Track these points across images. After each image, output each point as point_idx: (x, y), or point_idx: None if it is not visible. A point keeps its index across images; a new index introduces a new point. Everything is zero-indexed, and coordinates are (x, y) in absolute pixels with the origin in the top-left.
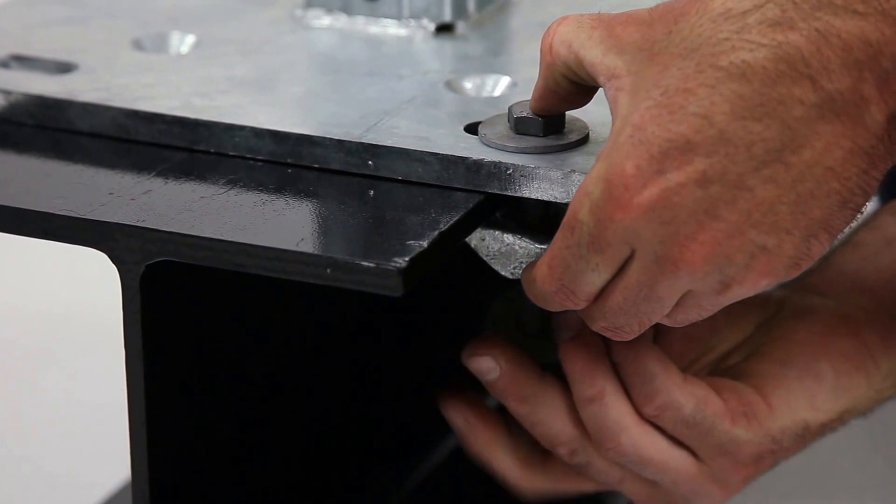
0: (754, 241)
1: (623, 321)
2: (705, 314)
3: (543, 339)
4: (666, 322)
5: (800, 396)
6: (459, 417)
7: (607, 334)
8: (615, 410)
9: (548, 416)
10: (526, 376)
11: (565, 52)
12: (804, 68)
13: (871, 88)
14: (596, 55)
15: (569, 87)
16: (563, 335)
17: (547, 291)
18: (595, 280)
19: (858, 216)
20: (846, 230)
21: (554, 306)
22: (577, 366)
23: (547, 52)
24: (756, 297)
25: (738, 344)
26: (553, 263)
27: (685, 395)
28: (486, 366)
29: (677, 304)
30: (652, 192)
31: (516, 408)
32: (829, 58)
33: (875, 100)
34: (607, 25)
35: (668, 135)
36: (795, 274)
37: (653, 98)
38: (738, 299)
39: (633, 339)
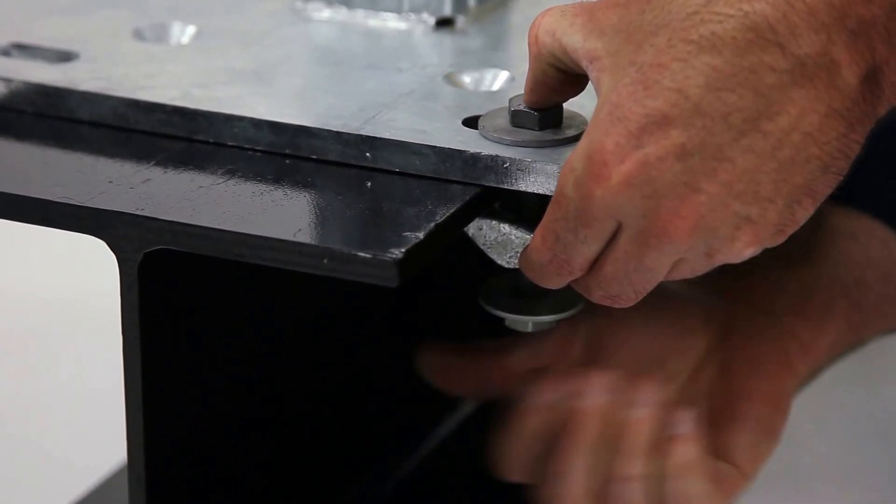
0: (738, 212)
1: (618, 290)
2: (699, 273)
3: (539, 298)
4: (663, 279)
5: (768, 454)
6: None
7: (606, 303)
8: (641, 496)
9: (578, 473)
10: (601, 426)
11: (550, 41)
12: (772, 35)
13: (840, 51)
14: (578, 40)
15: (557, 76)
16: (629, 411)
17: (541, 261)
18: (586, 251)
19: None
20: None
21: (550, 278)
22: (627, 443)
23: (533, 43)
24: (700, 316)
25: (698, 364)
26: (545, 235)
27: None
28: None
29: (672, 267)
30: (630, 167)
31: (568, 446)
32: (796, 23)
33: (846, 62)
34: (588, 11)
35: (645, 110)
36: (781, 240)
37: (629, 75)
38: (729, 262)
39: (684, 459)
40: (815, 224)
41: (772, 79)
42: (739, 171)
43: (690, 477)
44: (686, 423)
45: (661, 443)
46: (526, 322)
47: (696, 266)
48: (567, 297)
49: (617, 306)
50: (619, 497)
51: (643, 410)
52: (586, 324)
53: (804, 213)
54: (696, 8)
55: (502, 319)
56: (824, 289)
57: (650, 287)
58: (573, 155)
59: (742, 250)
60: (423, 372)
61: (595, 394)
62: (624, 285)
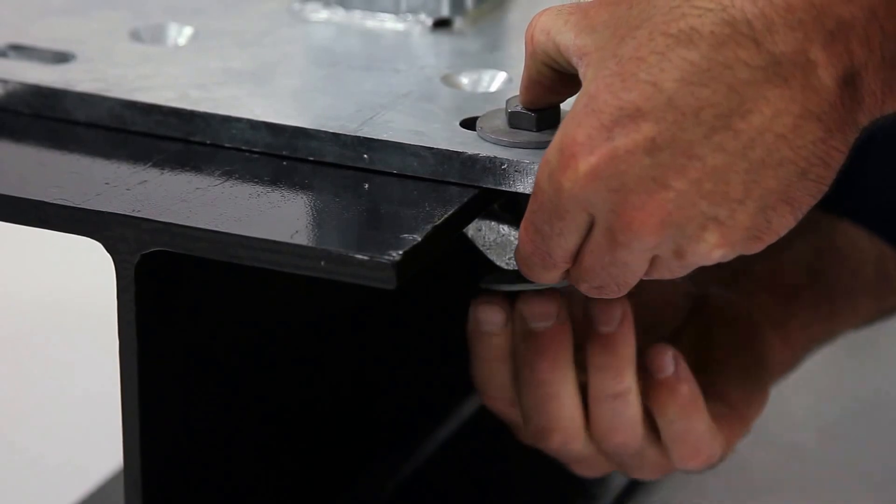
0: (705, 212)
1: (600, 282)
2: (678, 275)
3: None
4: (644, 277)
5: (760, 403)
6: (499, 313)
7: (593, 294)
8: (634, 409)
9: (566, 394)
10: (570, 342)
11: (544, 40)
12: (748, 31)
13: (817, 51)
14: (570, 38)
15: (551, 75)
16: (601, 329)
17: (526, 254)
18: (563, 243)
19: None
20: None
21: (537, 271)
22: (611, 359)
23: (529, 41)
24: (675, 294)
25: (677, 329)
26: (527, 227)
27: (720, 447)
28: (548, 310)
29: (650, 263)
30: (598, 159)
31: (546, 371)
32: (773, 19)
33: (823, 63)
34: (582, 10)
35: (619, 102)
36: (758, 247)
37: (609, 68)
38: (699, 266)
39: (685, 398)
40: None
41: (745, 74)
42: (709, 170)
43: (694, 415)
44: (675, 363)
45: (656, 385)
46: None
47: (671, 266)
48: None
49: (604, 297)
50: (613, 415)
51: (619, 323)
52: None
53: (782, 222)
54: (678, 2)
55: None
56: (789, 273)
57: (632, 281)
58: (549, 147)
59: (710, 252)
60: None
61: (540, 310)
62: (604, 278)
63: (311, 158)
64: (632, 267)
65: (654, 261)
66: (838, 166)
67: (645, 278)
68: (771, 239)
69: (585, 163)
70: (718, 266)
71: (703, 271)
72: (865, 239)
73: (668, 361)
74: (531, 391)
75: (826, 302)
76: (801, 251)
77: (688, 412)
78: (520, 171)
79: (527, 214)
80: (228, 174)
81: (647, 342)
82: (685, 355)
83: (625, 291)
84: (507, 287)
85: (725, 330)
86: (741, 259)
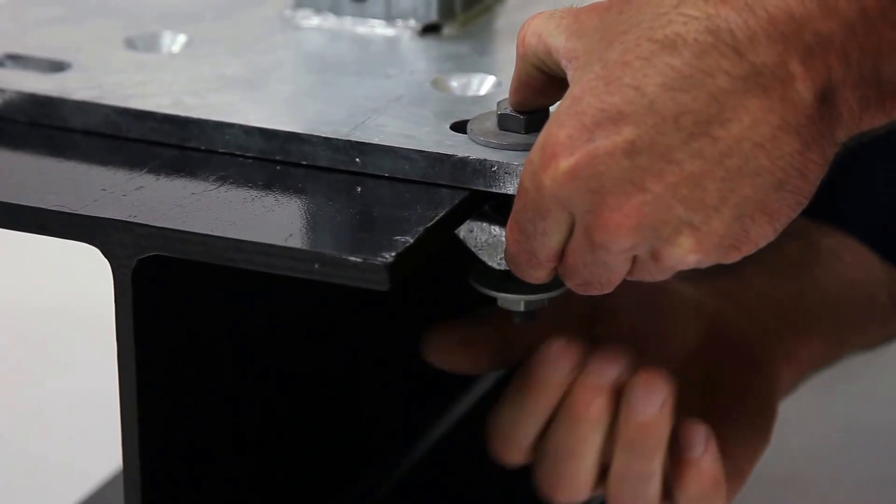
0: (680, 216)
1: (583, 280)
2: (658, 277)
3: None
4: (628, 278)
5: (761, 453)
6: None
7: (581, 290)
8: (654, 491)
9: (588, 454)
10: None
11: (535, 42)
12: (731, 40)
13: (796, 64)
14: (561, 41)
15: (541, 77)
16: (641, 416)
17: (513, 253)
18: (547, 243)
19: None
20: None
21: (524, 270)
22: (644, 444)
23: (520, 43)
24: (692, 307)
25: (691, 355)
26: (512, 226)
27: None
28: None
29: (633, 264)
30: (578, 158)
31: (581, 424)
32: (755, 30)
33: (801, 76)
34: (574, 14)
35: (602, 105)
36: (736, 256)
37: (594, 71)
38: (677, 269)
39: (710, 479)
40: (802, 241)
41: (725, 83)
42: (686, 175)
43: (715, 494)
44: (706, 443)
45: (682, 462)
46: (518, 301)
47: (650, 268)
48: (557, 276)
49: (592, 294)
50: (633, 497)
51: (660, 409)
52: (583, 300)
53: (760, 232)
54: (666, 9)
55: (494, 300)
56: (808, 302)
57: (615, 279)
58: (533, 146)
59: (684, 256)
60: (428, 356)
61: (607, 370)
62: (587, 276)
63: (304, 163)
64: (613, 267)
65: (634, 264)
66: (817, 179)
67: (629, 278)
68: (749, 249)
69: (566, 162)
70: (741, 289)
71: (723, 289)
72: (878, 265)
73: (700, 441)
74: (556, 438)
75: (838, 330)
76: (822, 278)
77: (711, 493)
78: (509, 173)
79: (512, 214)
80: (223, 179)
81: (666, 353)
82: (692, 394)
83: (610, 289)
84: (502, 295)
85: (736, 370)
86: (763, 284)
